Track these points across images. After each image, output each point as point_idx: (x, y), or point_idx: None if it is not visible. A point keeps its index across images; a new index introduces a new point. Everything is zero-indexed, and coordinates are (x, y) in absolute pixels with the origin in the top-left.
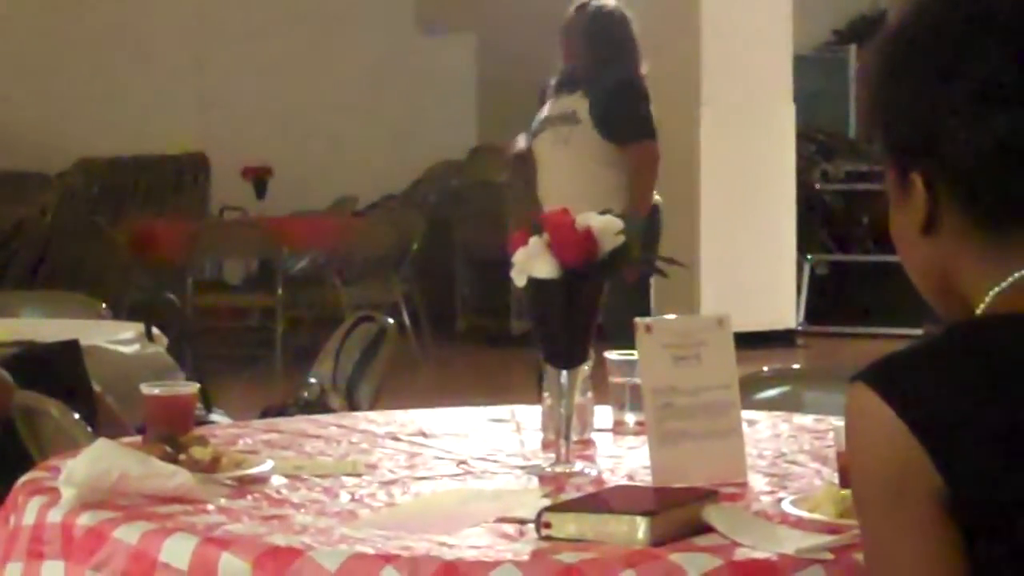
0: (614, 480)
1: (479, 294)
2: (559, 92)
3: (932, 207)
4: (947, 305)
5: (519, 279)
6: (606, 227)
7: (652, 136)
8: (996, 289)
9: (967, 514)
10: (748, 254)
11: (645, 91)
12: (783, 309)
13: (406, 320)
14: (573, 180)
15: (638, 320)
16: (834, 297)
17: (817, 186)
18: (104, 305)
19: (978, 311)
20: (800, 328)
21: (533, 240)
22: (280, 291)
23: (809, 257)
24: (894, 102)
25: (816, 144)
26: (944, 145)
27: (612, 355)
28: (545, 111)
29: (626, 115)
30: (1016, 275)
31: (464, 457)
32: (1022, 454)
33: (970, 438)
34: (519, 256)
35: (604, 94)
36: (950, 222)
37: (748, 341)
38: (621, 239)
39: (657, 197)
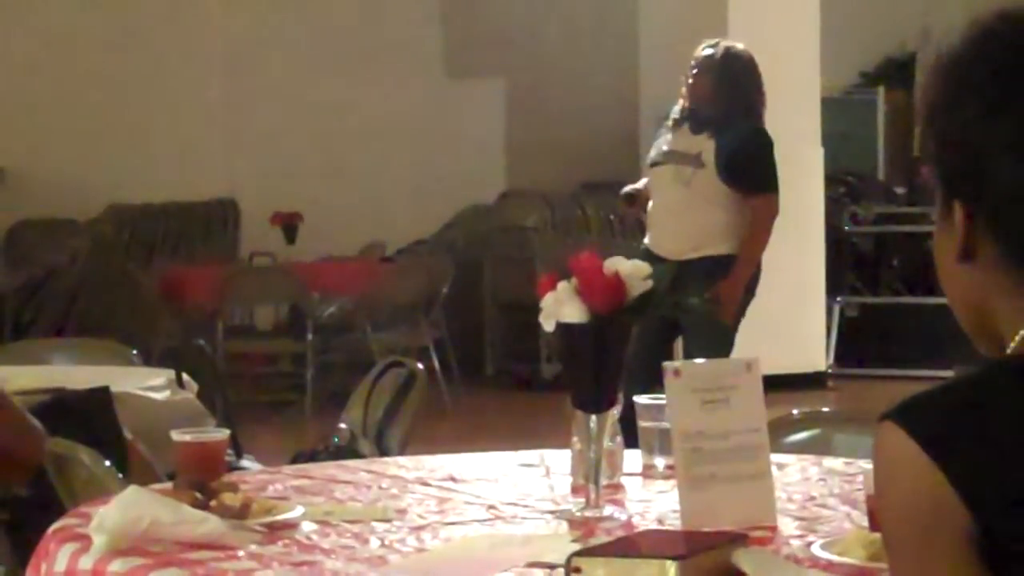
0: (644, 524)
1: (509, 338)
2: (679, 127)
3: (970, 236)
4: (982, 337)
5: (548, 324)
6: (634, 272)
7: (777, 189)
8: None
9: (997, 553)
10: (777, 297)
11: (771, 142)
12: (813, 352)
13: (436, 365)
14: (688, 218)
15: (666, 364)
16: (864, 339)
17: (846, 228)
18: (134, 352)
19: (1009, 349)
20: (830, 371)
21: (562, 285)
22: (310, 337)
23: (839, 299)
24: (945, 131)
25: (845, 186)
26: (986, 178)
27: (641, 399)
28: (666, 144)
29: (756, 166)
30: None
31: (494, 502)
32: None
33: (999, 477)
34: (548, 301)
35: (734, 141)
36: (985, 253)
37: (778, 384)
38: (649, 284)
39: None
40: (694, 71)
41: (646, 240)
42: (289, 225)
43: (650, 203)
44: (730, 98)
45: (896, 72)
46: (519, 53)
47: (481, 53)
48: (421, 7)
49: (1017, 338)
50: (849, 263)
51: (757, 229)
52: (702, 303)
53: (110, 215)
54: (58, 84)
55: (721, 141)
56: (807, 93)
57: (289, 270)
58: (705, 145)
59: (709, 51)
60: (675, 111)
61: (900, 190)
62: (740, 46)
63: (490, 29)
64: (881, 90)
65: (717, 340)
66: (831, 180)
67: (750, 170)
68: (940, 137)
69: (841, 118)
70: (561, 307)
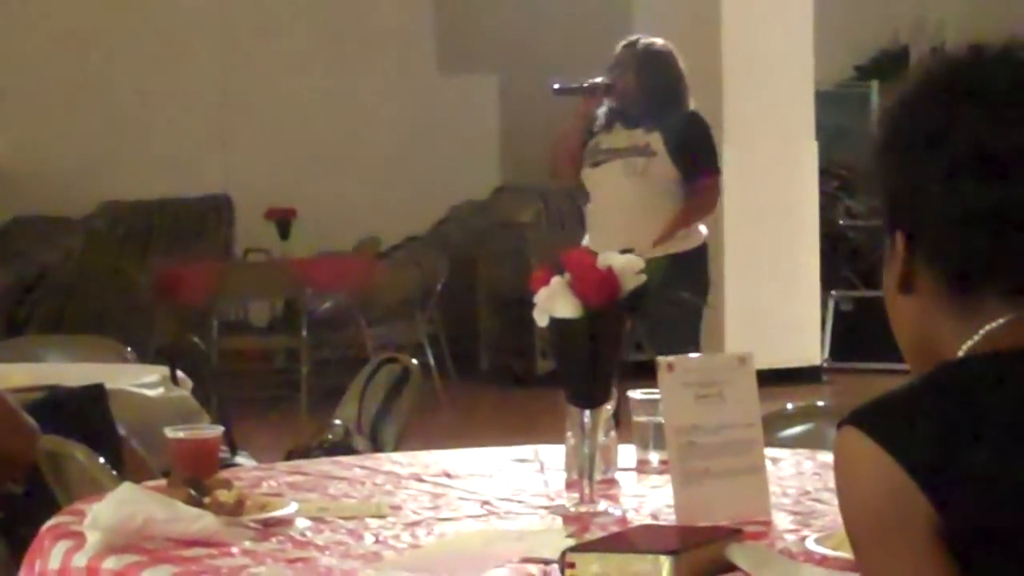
0: (638, 519)
1: (503, 333)
2: (610, 127)
3: (909, 266)
4: (921, 364)
5: (541, 319)
6: (628, 266)
7: (719, 171)
8: (968, 343)
9: (961, 542)
10: (772, 291)
11: (709, 124)
12: (808, 346)
13: (430, 360)
14: (643, 209)
15: (660, 359)
16: (859, 333)
17: (841, 222)
18: (129, 349)
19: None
20: (825, 365)
21: (555, 280)
22: (305, 332)
23: (833, 293)
24: (888, 163)
25: (839, 180)
26: (923, 208)
27: (635, 394)
28: (605, 142)
29: (701, 149)
30: (986, 327)
31: (488, 498)
32: (1009, 483)
33: (958, 472)
34: (541, 296)
35: (677, 128)
36: (925, 282)
37: (773, 378)
38: (643, 278)
39: (704, 231)
40: (616, 70)
41: (586, 241)
42: (283, 221)
43: (588, 205)
44: (655, 89)
45: (890, 65)
46: (512, 48)
47: (474, 48)
48: (415, 2)
49: (963, 349)
50: (843, 257)
51: (701, 204)
52: (693, 299)
53: (104, 212)
54: (51, 81)
55: (664, 129)
56: (801, 86)
57: (283, 266)
58: (649, 137)
59: (630, 46)
60: (600, 114)
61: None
62: (658, 40)
63: (483, 24)
64: (875, 84)
65: (688, 333)
66: (825, 174)
67: (697, 154)
68: (883, 169)
69: (835, 111)
70: (554, 302)
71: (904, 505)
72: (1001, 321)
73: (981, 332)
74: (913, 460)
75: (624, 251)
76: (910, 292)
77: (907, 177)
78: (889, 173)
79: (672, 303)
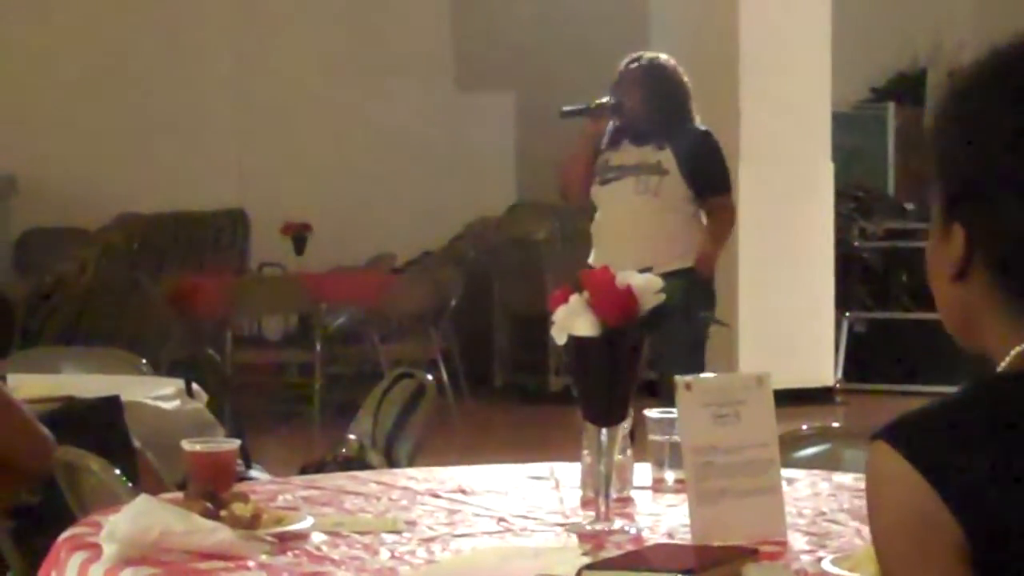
0: (654, 538)
1: (517, 350)
2: (617, 144)
3: (966, 260)
4: (968, 341)
5: (560, 337)
6: (646, 285)
7: (731, 188)
8: (1020, 348)
9: (989, 567)
10: (787, 311)
11: (720, 143)
12: (821, 366)
13: (444, 376)
14: (654, 227)
15: (678, 378)
16: (872, 354)
17: (856, 243)
18: (143, 361)
19: (1000, 367)
20: (839, 386)
21: (574, 298)
22: (319, 347)
23: (848, 314)
24: (955, 155)
25: (855, 201)
26: (991, 211)
27: (652, 413)
28: (614, 159)
29: (714, 168)
30: None
31: (503, 514)
32: None
33: (990, 494)
34: (560, 314)
35: (688, 147)
36: (979, 276)
37: (786, 398)
38: (661, 297)
39: None
40: (621, 87)
41: (593, 260)
42: (298, 236)
43: (594, 223)
44: (663, 105)
45: (907, 88)
46: (530, 66)
47: (492, 65)
48: (433, 19)
49: (1009, 357)
50: (858, 278)
51: (718, 230)
52: (713, 317)
53: (120, 224)
54: (69, 93)
55: (675, 148)
56: (818, 108)
57: (298, 280)
58: (660, 155)
59: (634, 63)
60: (607, 131)
61: (910, 206)
62: (662, 55)
63: (501, 42)
64: (891, 106)
65: (695, 352)
66: (841, 195)
67: (709, 173)
68: (950, 160)
69: (852, 133)
70: (573, 320)
71: (931, 525)
72: None
73: None
74: (943, 480)
75: (643, 270)
76: (962, 282)
77: (977, 174)
78: (955, 166)
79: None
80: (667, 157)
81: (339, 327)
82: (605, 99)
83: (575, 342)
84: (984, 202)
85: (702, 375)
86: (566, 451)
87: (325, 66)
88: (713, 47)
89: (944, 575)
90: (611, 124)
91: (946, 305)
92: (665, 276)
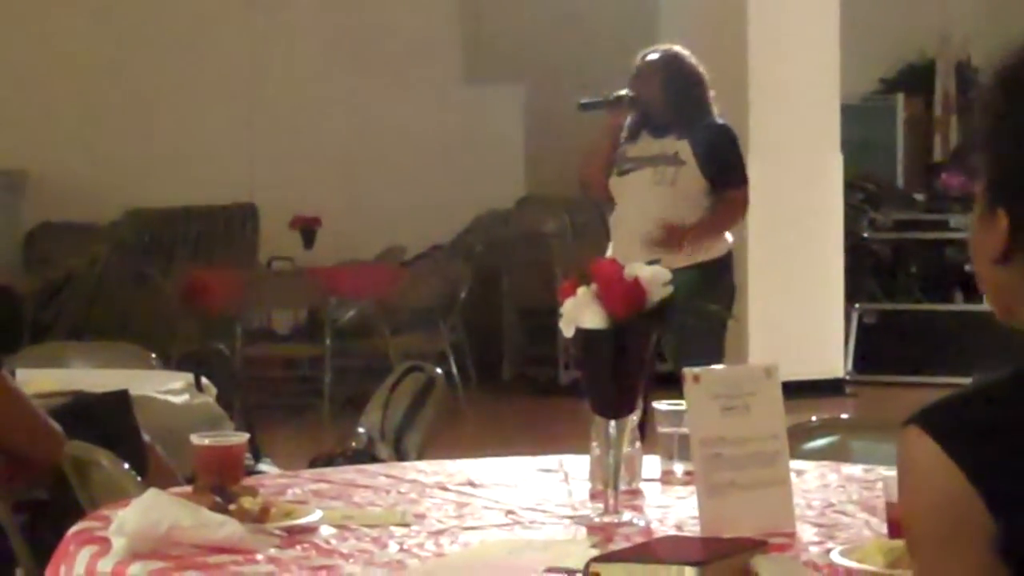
0: (663, 530)
1: (526, 343)
2: (637, 136)
3: (1009, 244)
4: (1010, 318)
5: (567, 329)
6: (654, 277)
7: (747, 182)
8: None
9: (1016, 557)
10: (796, 303)
11: (737, 136)
12: (831, 358)
13: (453, 369)
14: (673, 218)
15: (686, 370)
16: (882, 346)
17: (865, 235)
18: (153, 355)
19: None
20: (848, 377)
21: (582, 290)
22: (328, 341)
23: (857, 306)
24: (1001, 139)
25: (864, 193)
26: None
27: (661, 405)
28: (632, 151)
29: (730, 161)
30: None
31: (512, 507)
32: None
33: (1021, 482)
34: (568, 306)
35: (706, 138)
36: (1020, 263)
37: (796, 390)
38: (670, 290)
39: (730, 239)
40: (639, 80)
41: (611, 251)
42: (308, 229)
43: (612, 214)
44: (681, 97)
45: (916, 79)
46: (538, 58)
47: (500, 58)
48: (441, 12)
49: None
50: (868, 269)
51: (729, 215)
52: (720, 311)
53: (130, 219)
54: (79, 88)
55: (693, 139)
56: (827, 99)
57: (308, 274)
58: (677, 145)
59: (652, 56)
60: (625, 124)
61: (919, 197)
62: (678, 47)
63: (509, 34)
64: (900, 97)
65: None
66: (850, 186)
67: (726, 165)
68: (996, 144)
69: (860, 124)
70: (581, 312)
71: (962, 511)
72: None
73: None
74: (975, 466)
75: (651, 262)
76: (1005, 265)
77: (1019, 159)
78: (1001, 150)
79: (697, 314)
80: (684, 148)
81: (349, 320)
82: (623, 92)
83: (583, 334)
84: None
85: (711, 367)
86: (575, 444)
87: (334, 59)
88: (722, 39)
89: (972, 562)
90: (630, 117)
91: (990, 288)
92: (680, 269)
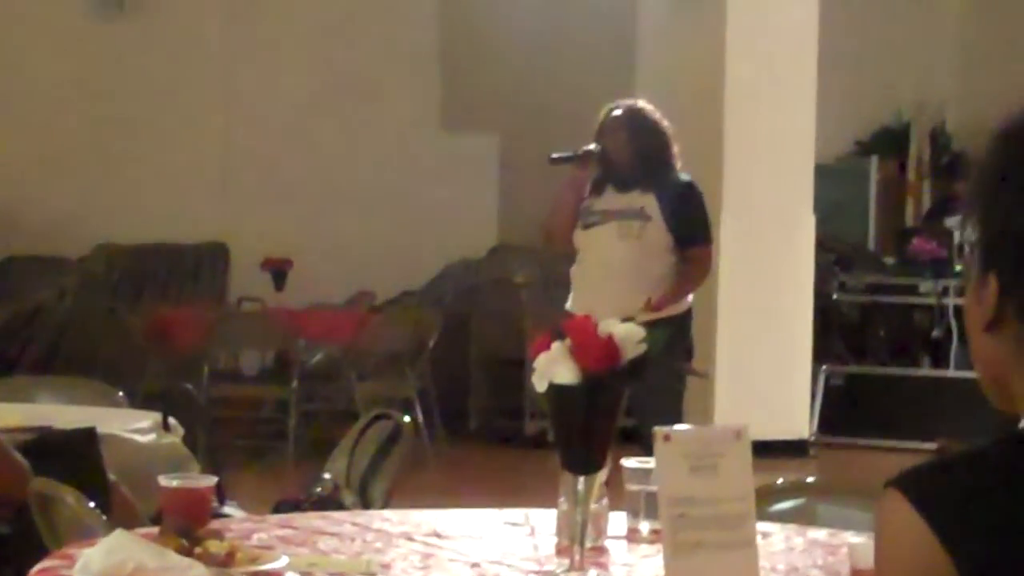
0: None
1: (493, 393)
2: (601, 191)
3: (1000, 309)
4: (999, 397)
5: (540, 384)
6: (629, 335)
7: (711, 240)
8: None
9: None
10: (764, 362)
11: (702, 193)
12: (797, 418)
13: (419, 416)
14: (635, 273)
15: (656, 429)
16: (848, 408)
17: (835, 296)
18: (120, 392)
19: (1022, 423)
20: (813, 439)
21: (555, 345)
22: (295, 383)
23: (824, 367)
24: (992, 203)
25: (835, 254)
26: (1022, 259)
27: (629, 462)
28: (598, 204)
29: (694, 217)
30: None
31: (478, 560)
32: None
33: (997, 552)
34: (541, 361)
35: (672, 195)
36: (1011, 329)
37: (761, 449)
38: (643, 347)
39: (690, 299)
40: (604, 132)
41: (570, 305)
42: (279, 271)
43: (575, 267)
44: (645, 152)
45: (890, 142)
46: (514, 109)
47: (477, 107)
48: (418, 60)
49: None
50: (836, 331)
51: (695, 274)
52: (693, 368)
53: (100, 254)
54: (52, 122)
55: (659, 194)
56: (801, 160)
57: (277, 316)
58: (643, 200)
59: (616, 111)
60: (593, 177)
61: (890, 260)
62: (641, 102)
63: (487, 83)
64: (875, 159)
65: (673, 401)
66: (821, 247)
67: (692, 223)
68: (987, 208)
69: (834, 186)
70: (554, 367)
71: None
72: None
73: None
74: (949, 533)
75: (626, 319)
76: (996, 333)
77: (1011, 223)
78: (990, 211)
79: (662, 371)
80: (651, 203)
81: (316, 364)
82: (592, 146)
83: (555, 390)
84: (1012, 247)
85: (681, 426)
86: (541, 496)
87: (310, 104)
88: (699, 96)
89: None
90: (597, 171)
91: (980, 359)
92: (645, 324)
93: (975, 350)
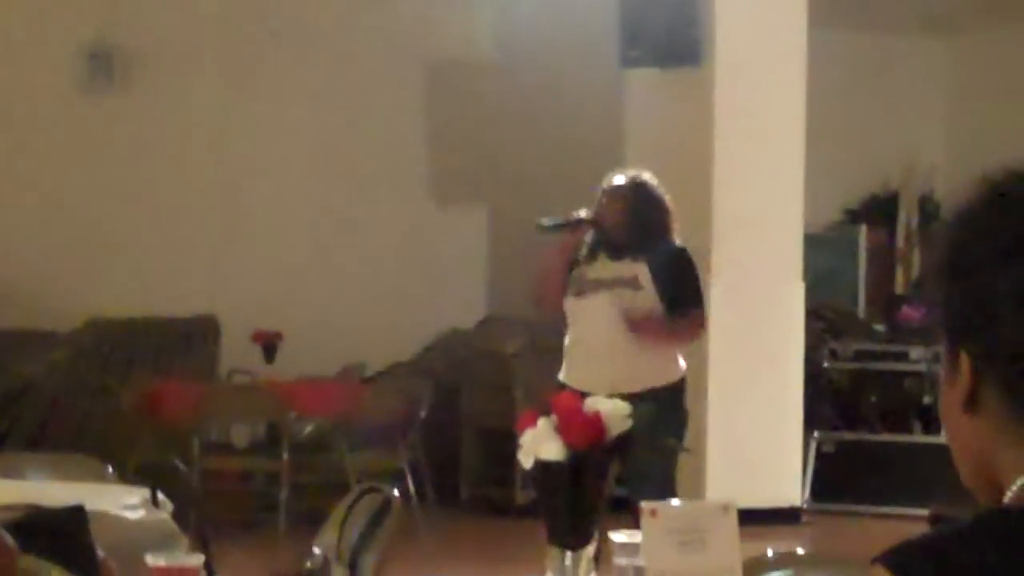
0: None
1: (484, 463)
2: (594, 258)
3: (974, 386)
4: (981, 488)
5: (527, 460)
6: (614, 411)
7: (703, 305)
8: (1022, 480)
9: None
10: (754, 430)
11: (693, 259)
12: (788, 486)
13: (411, 488)
14: (626, 342)
15: (643, 505)
16: (840, 475)
17: (825, 364)
18: (109, 468)
19: (1006, 498)
20: (805, 506)
21: (542, 421)
22: (286, 456)
23: (816, 434)
24: (954, 279)
25: (825, 322)
26: (993, 330)
27: (617, 536)
28: (590, 273)
29: (687, 284)
30: None
31: None
32: None
33: None
34: (527, 437)
35: (663, 261)
36: (989, 404)
37: (752, 518)
38: (629, 423)
39: (683, 366)
40: (604, 200)
41: (563, 376)
42: (269, 344)
43: (567, 337)
44: (644, 223)
45: (879, 210)
46: (504, 179)
47: (466, 179)
48: (407, 131)
49: (1015, 487)
50: (827, 398)
51: (685, 329)
52: (679, 445)
53: (90, 327)
54: (40, 195)
55: (650, 263)
56: (791, 228)
57: (268, 389)
58: (635, 268)
59: (619, 180)
60: (586, 243)
61: (879, 328)
62: (645, 173)
63: (476, 154)
64: (863, 228)
65: (665, 476)
66: (811, 315)
67: (684, 288)
68: (948, 286)
69: (823, 254)
70: (540, 444)
71: None
72: None
73: None
74: None
75: (614, 394)
76: (974, 412)
77: (974, 296)
78: (952, 291)
79: (653, 446)
80: (642, 271)
81: (307, 436)
82: (581, 213)
83: (542, 466)
84: (985, 323)
85: (668, 502)
86: (531, 565)
87: (299, 176)
88: (687, 165)
89: None
90: (589, 237)
91: (959, 446)
92: (636, 396)
93: (954, 438)
